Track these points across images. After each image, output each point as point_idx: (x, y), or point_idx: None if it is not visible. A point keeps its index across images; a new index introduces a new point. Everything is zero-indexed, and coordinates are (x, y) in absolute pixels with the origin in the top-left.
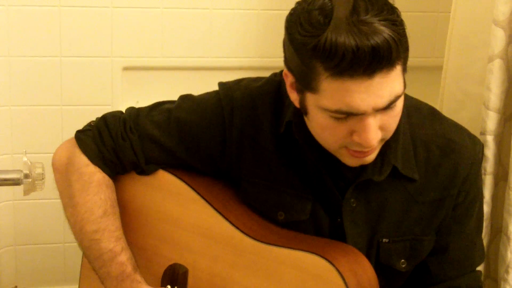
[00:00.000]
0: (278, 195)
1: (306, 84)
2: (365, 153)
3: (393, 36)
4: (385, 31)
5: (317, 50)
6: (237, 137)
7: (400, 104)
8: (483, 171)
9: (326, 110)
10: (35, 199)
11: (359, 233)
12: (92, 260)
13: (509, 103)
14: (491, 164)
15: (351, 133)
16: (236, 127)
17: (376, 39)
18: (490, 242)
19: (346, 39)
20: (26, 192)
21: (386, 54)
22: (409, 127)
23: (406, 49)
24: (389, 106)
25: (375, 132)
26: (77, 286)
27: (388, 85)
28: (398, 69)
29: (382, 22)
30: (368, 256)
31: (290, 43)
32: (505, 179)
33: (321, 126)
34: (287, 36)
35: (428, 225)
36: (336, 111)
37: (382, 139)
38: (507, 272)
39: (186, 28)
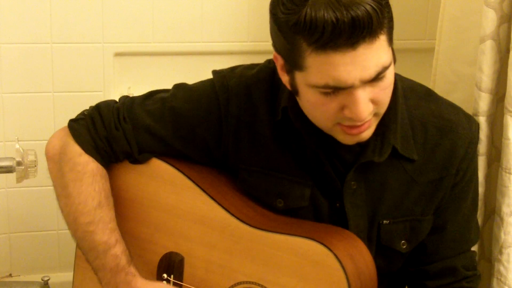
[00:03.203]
0: (276, 183)
1: (293, 62)
2: (359, 128)
3: (373, 6)
4: (366, 1)
5: (298, 26)
6: (234, 126)
7: (389, 76)
8: None
9: (314, 86)
10: (28, 187)
11: (360, 216)
12: (86, 252)
13: (501, 84)
14: (484, 145)
15: (342, 108)
16: (233, 115)
17: (356, 10)
18: (483, 223)
19: (325, 12)
20: (19, 180)
21: (367, 24)
22: (406, 108)
23: (390, 19)
24: (377, 78)
25: (366, 105)
26: (72, 273)
27: (374, 56)
28: (382, 39)
29: None
30: (369, 238)
31: (274, 24)
32: (498, 160)
33: (312, 104)
34: (272, 17)
35: (428, 205)
36: (324, 86)
37: (375, 114)
38: (500, 252)
39: (177, 13)
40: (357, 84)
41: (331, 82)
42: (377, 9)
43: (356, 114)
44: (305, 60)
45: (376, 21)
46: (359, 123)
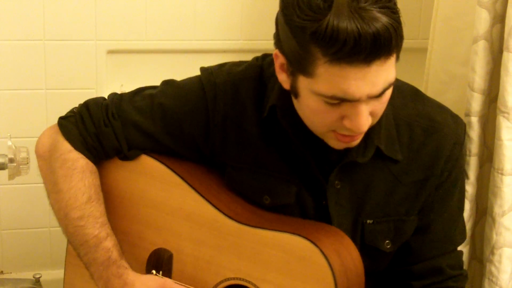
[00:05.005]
0: (263, 180)
1: (301, 67)
2: (353, 137)
3: (392, 24)
4: (384, 19)
5: (318, 35)
6: (221, 123)
7: (390, 90)
8: (467, 153)
9: (320, 95)
10: (20, 184)
11: (343, 215)
12: (77, 247)
13: (494, 85)
14: (475, 146)
15: (342, 118)
16: (220, 112)
17: (377, 26)
18: (475, 223)
19: (348, 25)
20: (11, 177)
21: (387, 42)
22: (392, 108)
23: (402, 38)
24: (381, 94)
25: (367, 118)
26: (63, 270)
27: (384, 74)
28: (393, 57)
29: (381, 10)
30: (353, 237)
31: (286, 25)
32: (490, 160)
33: (313, 110)
34: (283, 17)
35: (412, 205)
36: (331, 97)
37: (370, 125)
38: (492, 253)
39: (170, 11)
40: (363, 99)
41: (339, 94)
42: (395, 27)
43: (357, 126)
44: (317, 68)
45: (394, 40)
46: (355, 134)
